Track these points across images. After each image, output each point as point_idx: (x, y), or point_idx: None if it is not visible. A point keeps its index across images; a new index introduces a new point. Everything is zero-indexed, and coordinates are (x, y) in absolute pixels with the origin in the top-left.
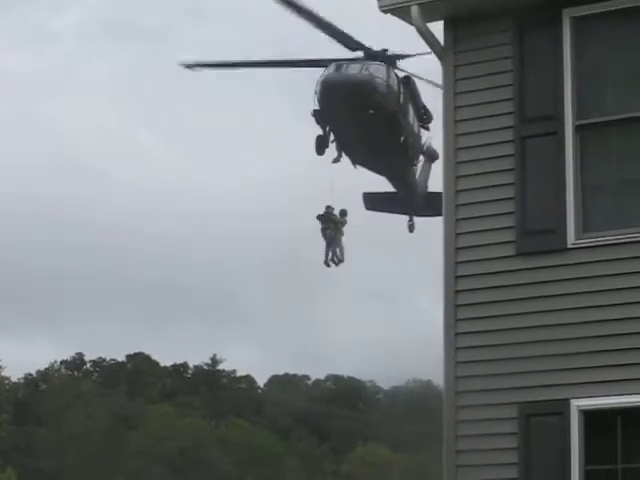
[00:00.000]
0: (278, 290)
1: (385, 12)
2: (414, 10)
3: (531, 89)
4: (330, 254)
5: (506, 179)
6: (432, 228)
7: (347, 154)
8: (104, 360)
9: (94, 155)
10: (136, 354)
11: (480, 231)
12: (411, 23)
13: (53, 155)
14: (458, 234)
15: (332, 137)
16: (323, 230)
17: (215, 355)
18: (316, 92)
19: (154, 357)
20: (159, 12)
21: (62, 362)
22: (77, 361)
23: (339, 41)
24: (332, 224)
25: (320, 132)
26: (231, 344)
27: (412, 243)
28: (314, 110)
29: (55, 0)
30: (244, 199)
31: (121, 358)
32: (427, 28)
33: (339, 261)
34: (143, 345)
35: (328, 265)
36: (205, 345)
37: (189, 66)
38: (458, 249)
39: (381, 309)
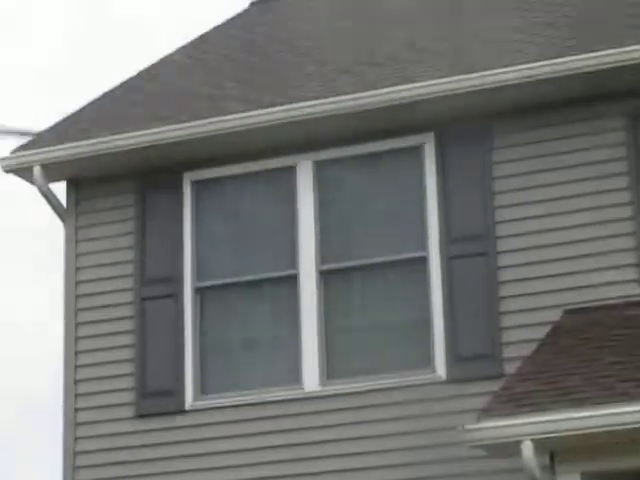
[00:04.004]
0: None
1: (8, 172)
2: (36, 170)
3: (152, 251)
4: None
5: (126, 341)
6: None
7: None
8: None
9: None
10: None
11: (99, 392)
12: (33, 183)
13: None
14: (77, 394)
15: None
16: None
17: None
18: None
19: None
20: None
21: None
22: None
23: None
24: None
25: None
26: None
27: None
28: None
29: None
30: None
31: None
32: (49, 189)
33: None
34: None
35: None
36: None
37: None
38: (77, 409)
39: None
